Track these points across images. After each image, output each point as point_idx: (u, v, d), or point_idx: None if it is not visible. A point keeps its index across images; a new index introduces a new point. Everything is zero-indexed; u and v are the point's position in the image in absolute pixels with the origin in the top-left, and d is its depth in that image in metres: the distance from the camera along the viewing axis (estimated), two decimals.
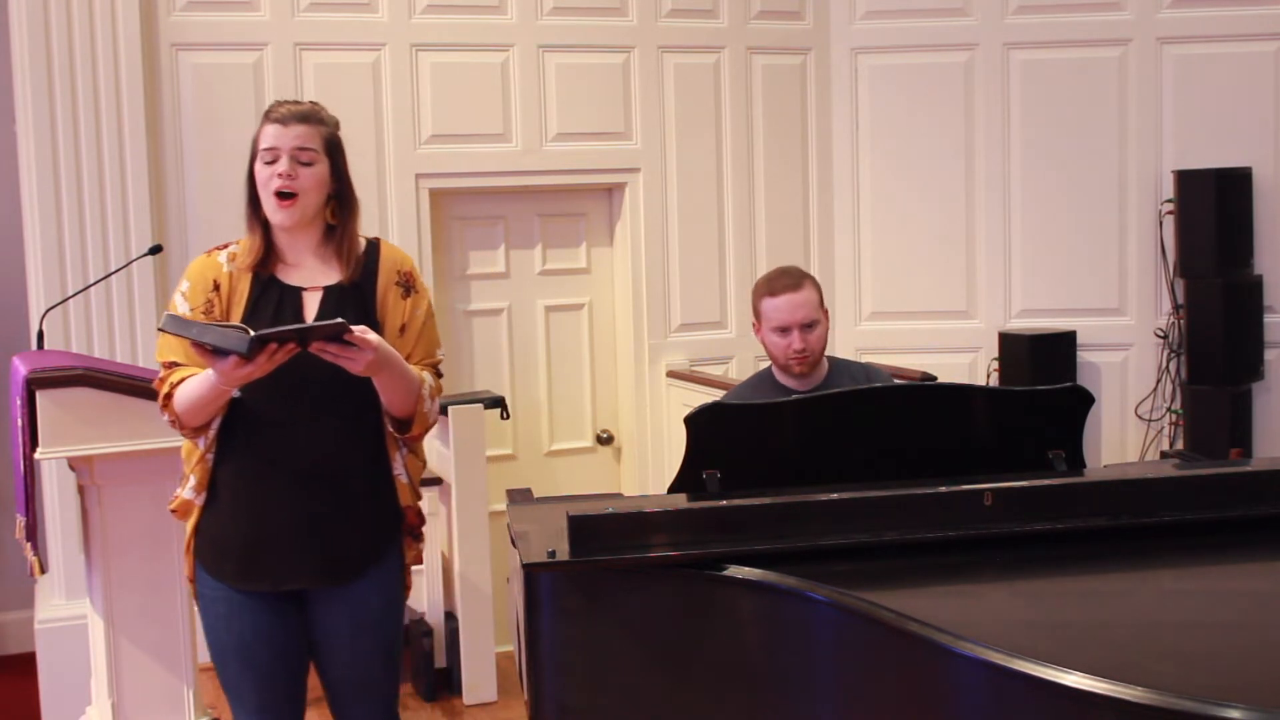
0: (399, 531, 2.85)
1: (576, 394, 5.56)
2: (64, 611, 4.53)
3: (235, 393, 2.64)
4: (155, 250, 4.29)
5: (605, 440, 5.60)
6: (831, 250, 5.78)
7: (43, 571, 3.51)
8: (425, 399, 2.75)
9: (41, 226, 4.59)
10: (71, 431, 3.36)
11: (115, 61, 4.65)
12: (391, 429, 2.77)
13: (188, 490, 2.76)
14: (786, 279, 3.35)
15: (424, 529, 2.92)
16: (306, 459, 2.70)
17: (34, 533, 3.45)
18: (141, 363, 4.60)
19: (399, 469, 2.81)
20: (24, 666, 4.88)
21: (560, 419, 5.54)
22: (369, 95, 5.08)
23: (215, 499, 2.74)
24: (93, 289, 4.52)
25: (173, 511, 2.81)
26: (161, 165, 4.83)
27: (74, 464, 3.59)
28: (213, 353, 2.49)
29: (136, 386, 3.38)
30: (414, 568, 4.51)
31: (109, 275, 4.50)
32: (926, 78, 5.67)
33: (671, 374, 5.46)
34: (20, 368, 3.51)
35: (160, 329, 2.54)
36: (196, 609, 2.86)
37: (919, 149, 5.69)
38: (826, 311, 3.37)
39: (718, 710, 2.32)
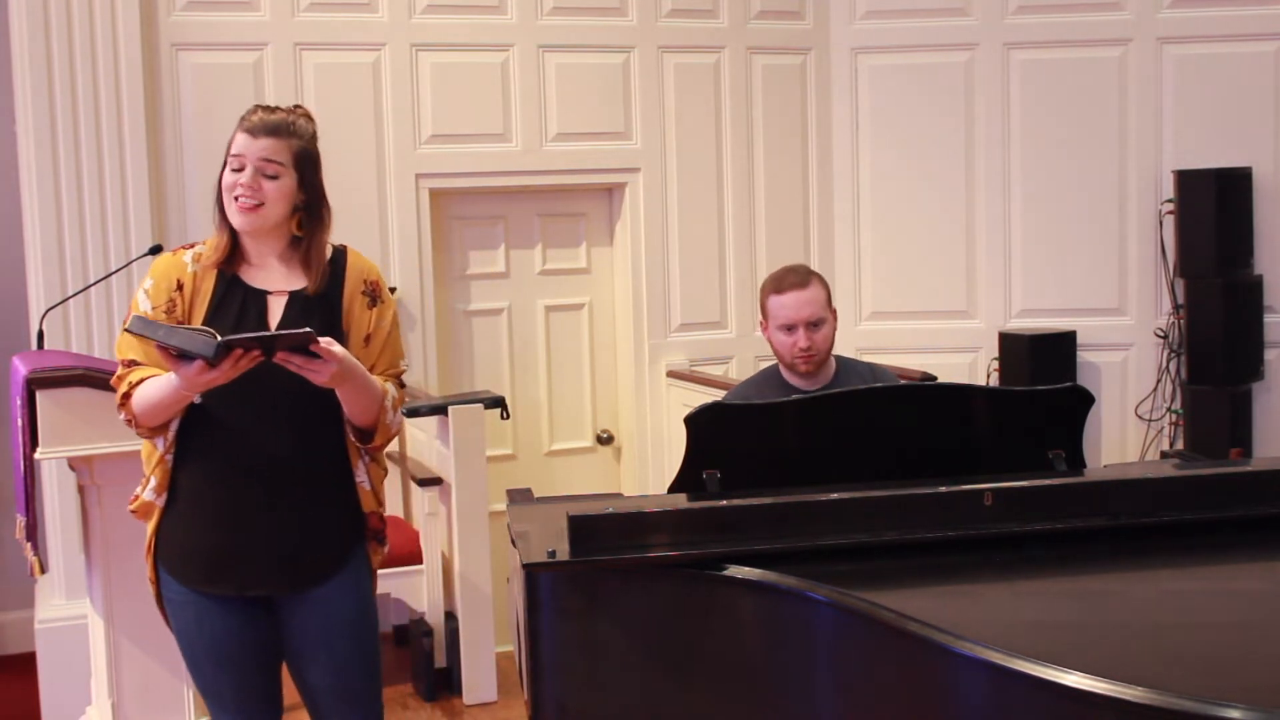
0: (362, 538, 2.83)
1: (576, 394, 5.56)
2: (64, 611, 4.53)
3: (196, 399, 2.63)
4: (155, 250, 4.26)
5: (605, 440, 5.60)
6: (831, 250, 5.78)
7: (43, 571, 3.51)
8: (388, 410, 2.74)
9: (41, 226, 4.59)
10: (71, 431, 3.36)
11: (115, 61, 4.65)
12: (353, 438, 2.76)
13: (148, 492, 2.74)
14: (794, 276, 3.33)
15: (387, 533, 2.90)
16: (268, 464, 2.68)
17: (34, 533, 3.45)
18: None
19: (361, 476, 2.79)
20: (24, 666, 4.88)
21: (560, 419, 5.54)
22: (369, 95, 5.08)
23: (176, 501, 2.73)
24: (93, 289, 4.52)
25: (133, 512, 2.79)
26: (161, 165, 4.83)
27: (74, 464, 3.59)
28: (177, 357, 2.48)
29: None
30: (412, 568, 4.58)
31: (109, 275, 4.50)
32: (926, 78, 5.67)
33: (671, 374, 5.46)
34: (20, 368, 3.51)
35: (126, 329, 2.53)
36: (159, 610, 2.84)
37: (919, 149, 5.69)
38: (835, 311, 3.35)
39: (718, 709, 2.32)
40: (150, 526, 2.77)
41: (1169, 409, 5.56)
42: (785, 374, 3.35)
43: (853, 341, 5.69)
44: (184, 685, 3.60)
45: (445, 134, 5.19)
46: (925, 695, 2.03)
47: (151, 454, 2.74)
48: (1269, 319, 5.49)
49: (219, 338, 2.47)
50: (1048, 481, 2.60)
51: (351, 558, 2.81)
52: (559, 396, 5.53)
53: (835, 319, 3.35)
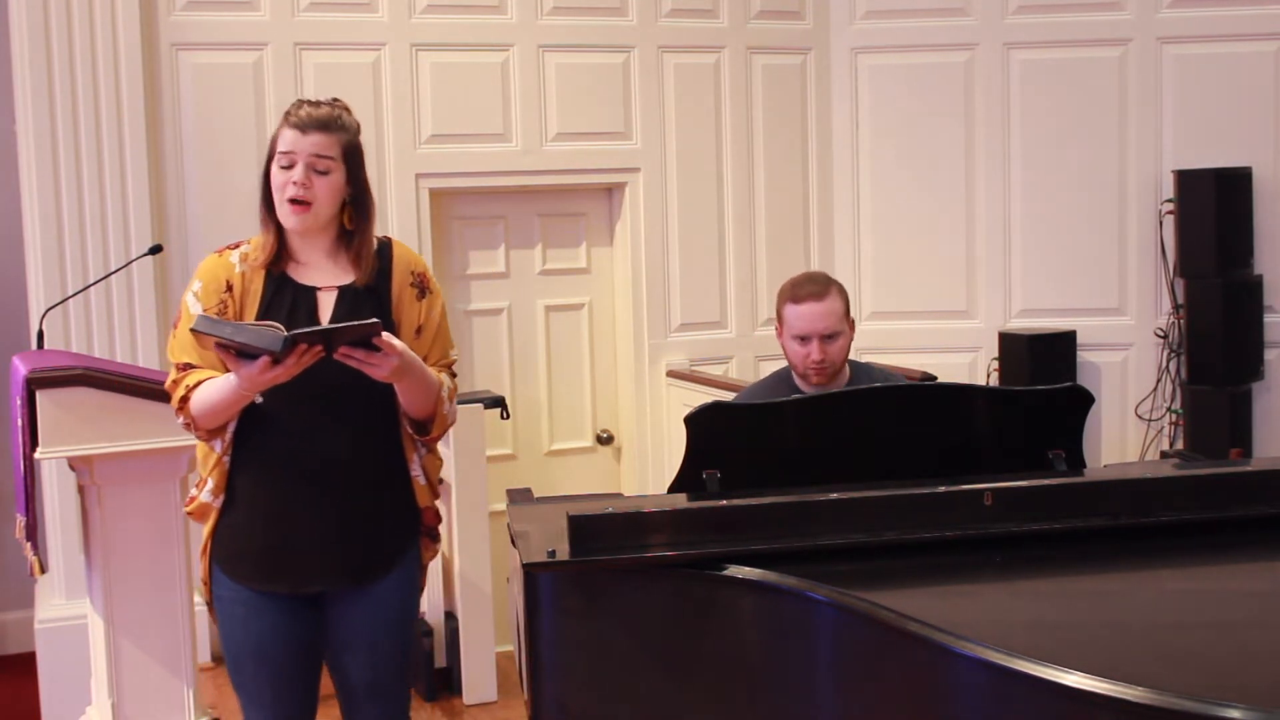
0: (417, 532, 2.86)
1: (576, 394, 5.56)
2: (64, 611, 4.53)
3: (256, 399, 2.64)
4: (155, 250, 4.29)
5: (605, 440, 5.60)
6: (831, 250, 5.78)
7: (43, 571, 3.51)
8: (444, 401, 2.76)
9: (41, 226, 4.59)
10: (71, 431, 3.36)
11: (115, 61, 4.65)
12: (410, 431, 2.77)
13: (205, 493, 2.75)
14: (812, 286, 3.25)
15: (441, 528, 2.92)
16: (324, 462, 2.70)
17: (34, 533, 3.44)
18: (141, 363, 4.60)
19: (416, 469, 2.81)
20: (24, 666, 4.88)
21: (560, 419, 5.53)
22: (369, 95, 5.08)
23: (233, 502, 2.74)
24: (93, 289, 4.52)
25: (189, 514, 2.81)
26: (161, 165, 4.83)
27: (74, 464, 3.59)
28: (238, 356, 2.49)
29: (136, 386, 3.38)
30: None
31: (109, 275, 4.50)
32: (926, 78, 5.67)
33: (671, 374, 5.46)
34: (20, 368, 3.51)
35: (192, 330, 2.53)
36: (209, 612, 2.85)
37: (919, 149, 5.69)
38: (852, 322, 3.29)
39: (718, 710, 2.32)
40: (206, 528, 2.78)
41: (1169, 409, 5.56)
42: (798, 379, 3.33)
43: (853, 342, 5.69)
44: (184, 685, 3.61)
45: (445, 134, 5.19)
46: (925, 695, 2.03)
47: (208, 456, 2.75)
48: (1269, 319, 5.49)
49: (285, 331, 2.47)
50: (1048, 481, 2.60)
51: (406, 554, 2.83)
52: (559, 396, 5.52)
53: (852, 329, 3.29)
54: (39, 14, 4.55)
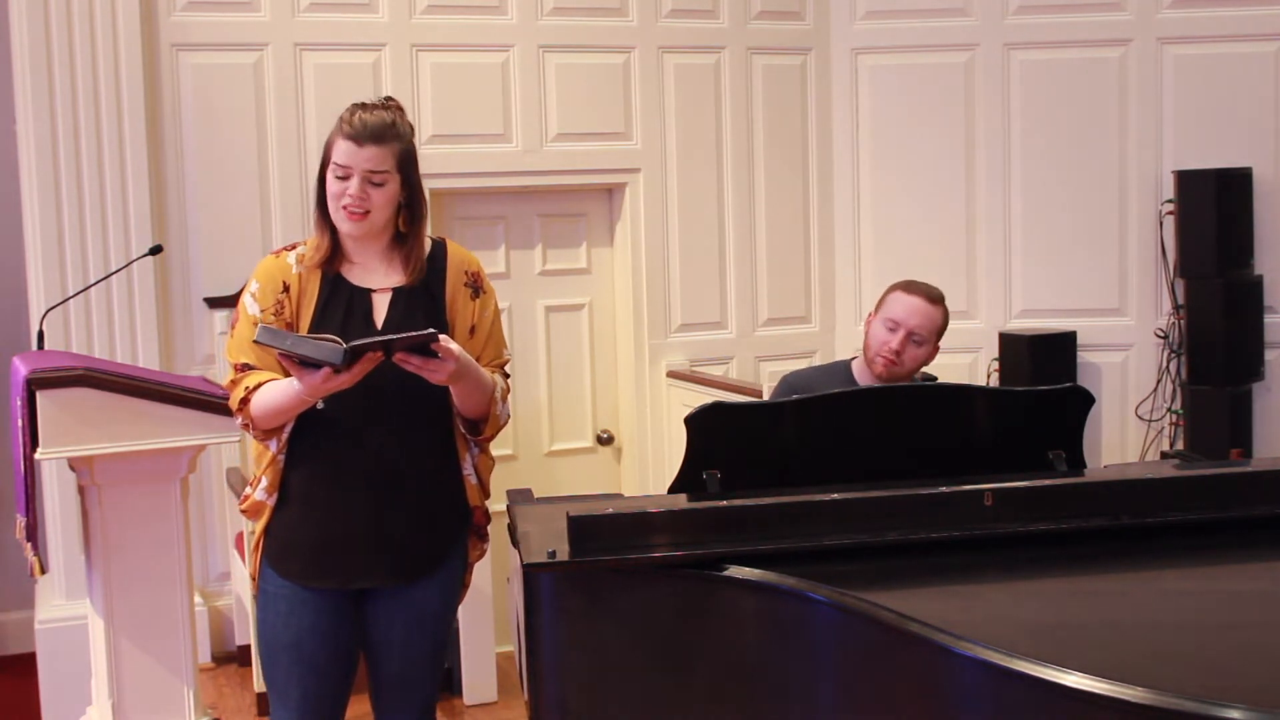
0: (466, 531, 2.88)
1: (576, 394, 5.56)
2: (64, 611, 4.53)
3: (319, 404, 2.65)
4: (155, 250, 4.29)
5: (605, 440, 5.60)
6: (831, 250, 5.78)
7: (43, 572, 3.51)
8: (498, 401, 2.78)
9: (41, 226, 4.59)
10: (71, 431, 3.36)
11: (115, 61, 4.65)
12: (464, 430, 2.79)
13: (259, 491, 2.78)
14: (929, 288, 3.34)
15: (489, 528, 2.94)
16: (377, 462, 2.72)
17: (34, 533, 3.45)
18: (141, 363, 4.60)
19: (469, 469, 2.84)
20: (24, 666, 4.88)
21: (560, 419, 5.53)
22: (369, 95, 5.05)
23: (287, 500, 2.77)
24: (93, 289, 4.52)
25: (243, 512, 2.84)
26: (161, 165, 4.82)
27: (74, 464, 3.59)
28: (301, 364, 2.50)
29: (137, 386, 3.38)
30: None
31: (109, 275, 4.50)
32: (926, 78, 5.67)
33: (671, 374, 5.46)
34: (20, 368, 3.51)
35: (255, 341, 2.54)
36: (253, 606, 2.90)
37: (919, 149, 5.69)
38: (939, 348, 3.33)
39: (718, 710, 2.33)
40: (260, 525, 2.80)
41: (1169, 409, 5.56)
42: (856, 372, 3.34)
43: (853, 341, 5.69)
44: (184, 685, 3.61)
45: (445, 134, 5.19)
46: (926, 695, 2.03)
47: (262, 455, 2.77)
48: (1269, 319, 5.49)
49: (344, 344, 2.48)
50: (1048, 481, 2.60)
51: (453, 553, 2.85)
52: (559, 396, 5.53)
53: (936, 353, 3.33)
54: (39, 14, 4.55)
